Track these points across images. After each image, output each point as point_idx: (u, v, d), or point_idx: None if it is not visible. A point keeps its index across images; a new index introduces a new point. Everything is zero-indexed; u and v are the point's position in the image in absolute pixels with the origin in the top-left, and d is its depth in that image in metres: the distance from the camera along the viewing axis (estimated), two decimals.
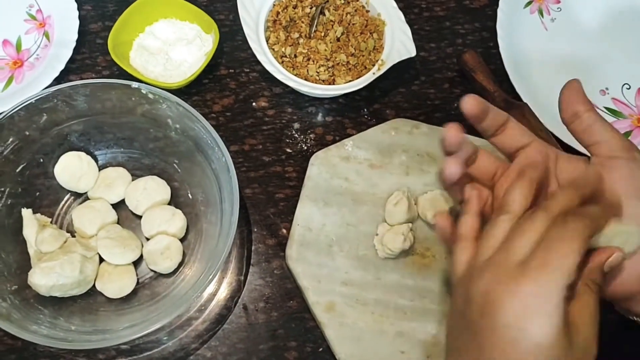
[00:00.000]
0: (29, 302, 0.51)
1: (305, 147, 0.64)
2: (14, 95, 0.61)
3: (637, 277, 0.39)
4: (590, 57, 0.70)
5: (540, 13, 0.72)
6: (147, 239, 0.57)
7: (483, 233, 0.39)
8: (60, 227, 0.57)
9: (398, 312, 0.55)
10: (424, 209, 0.58)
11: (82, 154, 0.57)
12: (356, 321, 0.54)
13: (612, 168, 0.40)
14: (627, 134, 0.66)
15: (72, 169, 0.57)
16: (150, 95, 0.54)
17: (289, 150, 0.64)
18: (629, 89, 0.69)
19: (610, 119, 0.67)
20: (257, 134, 0.64)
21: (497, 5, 0.70)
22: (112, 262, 0.54)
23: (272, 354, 0.55)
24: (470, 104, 0.40)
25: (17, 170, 0.55)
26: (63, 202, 0.58)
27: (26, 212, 0.55)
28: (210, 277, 0.48)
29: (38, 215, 0.56)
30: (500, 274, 0.36)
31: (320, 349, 0.55)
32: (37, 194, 0.57)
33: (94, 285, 0.54)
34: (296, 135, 0.64)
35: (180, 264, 0.56)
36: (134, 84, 0.53)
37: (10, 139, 0.54)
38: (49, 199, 0.58)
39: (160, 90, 0.54)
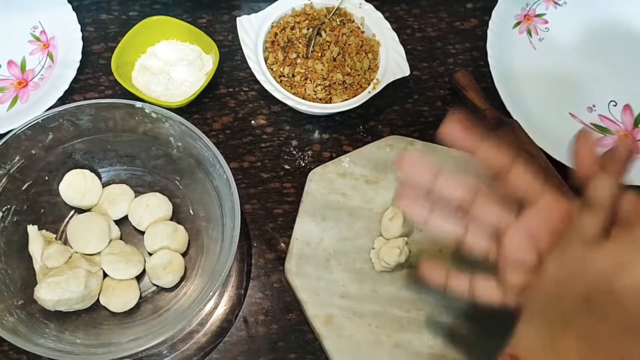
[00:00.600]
0: (35, 316, 0.53)
1: (303, 164, 0.66)
2: (19, 114, 0.63)
3: None
4: (578, 75, 0.73)
5: (529, 33, 0.75)
6: (150, 254, 0.58)
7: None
8: (65, 243, 0.58)
9: (395, 323, 0.56)
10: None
11: (87, 171, 0.59)
12: (354, 333, 0.56)
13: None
14: None
15: (76, 186, 0.58)
16: (154, 115, 0.56)
17: (287, 166, 0.65)
18: (615, 105, 0.71)
19: (597, 135, 0.69)
20: (256, 151, 0.66)
21: (487, 25, 0.72)
22: (116, 277, 0.56)
23: None
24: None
25: (23, 188, 0.57)
26: (67, 218, 0.60)
27: (32, 229, 0.56)
28: (212, 291, 0.49)
29: (43, 231, 0.57)
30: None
31: None
32: (42, 210, 0.59)
33: (97, 300, 0.56)
34: (294, 152, 0.66)
35: (182, 279, 0.57)
36: (138, 104, 0.55)
37: (17, 158, 0.55)
38: (54, 215, 0.59)
39: (163, 110, 0.55)
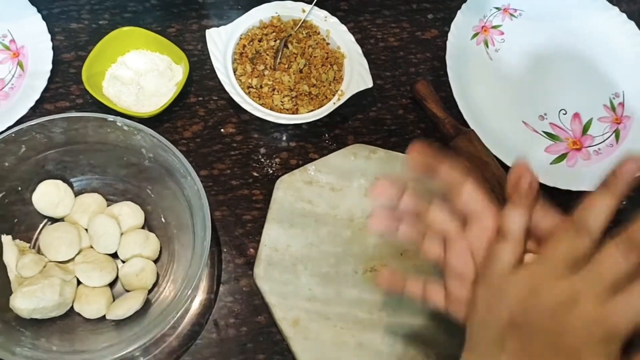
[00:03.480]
0: (10, 324, 0.54)
1: (271, 171, 0.68)
2: None
3: None
4: (531, 85, 0.77)
5: (486, 44, 0.78)
6: (123, 262, 0.60)
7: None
8: (38, 251, 0.60)
9: (358, 324, 0.60)
10: None
11: (59, 182, 0.60)
12: (319, 334, 0.59)
13: None
14: (563, 156, 0.73)
15: (49, 196, 0.60)
16: (125, 127, 0.57)
17: (255, 174, 0.68)
18: (565, 114, 0.76)
19: (548, 142, 0.73)
20: (226, 159, 0.68)
21: (447, 37, 0.76)
22: (89, 285, 0.58)
23: None
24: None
25: None
26: (41, 227, 0.61)
27: (6, 239, 0.57)
28: (185, 299, 0.52)
29: (17, 241, 0.58)
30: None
31: None
32: (16, 220, 0.60)
33: (72, 307, 0.57)
34: (262, 160, 0.69)
35: (155, 285, 0.60)
36: (110, 117, 0.57)
37: None
38: (27, 224, 0.61)
39: (135, 123, 0.57)
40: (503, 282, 0.42)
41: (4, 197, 0.58)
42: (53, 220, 0.61)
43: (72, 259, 0.59)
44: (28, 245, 0.60)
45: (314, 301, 0.60)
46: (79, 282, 0.58)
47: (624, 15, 0.81)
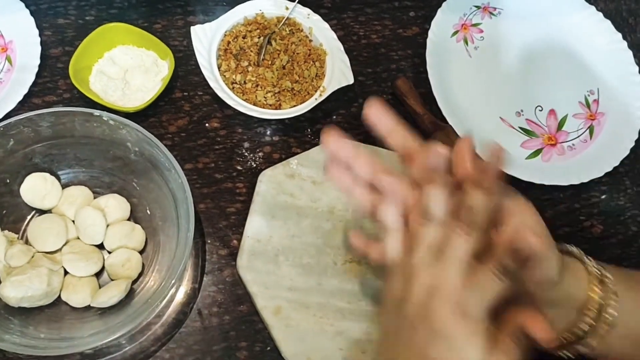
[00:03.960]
0: (0, 313, 0.56)
1: (255, 165, 0.70)
2: None
3: None
4: (508, 82, 0.79)
5: (465, 42, 0.80)
6: (109, 252, 0.62)
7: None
8: (26, 242, 0.62)
9: (337, 314, 0.62)
10: None
11: (47, 174, 0.62)
12: (300, 323, 0.61)
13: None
14: (539, 151, 0.75)
15: (37, 188, 0.61)
16: (111, 122, 0.59)
17: (239, 167, 0.70)
18: (541, 110, 0.78)
19: (524, 137, 0.76)
20: (210, 152, 0.70)
21: (428, 34, 0.77)
22: (76, 275, 0.59)
23: (225, 353, 0.61)
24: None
25: None
26: (29, 218, 0.63)
27: None
28: (169, 288, 0.54)
29: (6, 231, 0.60)
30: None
31: (268, 348, 0.62)
32: (4, 211, 0.61)
33: (59, 296, 0.59)
34: (246, 154, 0.70)
35: (140, 275, 0.61)
36: (96, 112, 0.58)
37: None
38: (15, 215, 0.62)
39: (120, 117, 0.59)
40: (410, 269, 0.44)
41: None
42: (41, 212, 0.63)
43: (60, 249, 0.61)
44: (16, 236, 0.61)
45: (295, 291, 0.62)
46: (66, 272, 0.60)
47: (600, 14, 0.83)
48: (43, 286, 0.56)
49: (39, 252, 0.60)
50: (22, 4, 0.71)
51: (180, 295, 0.63)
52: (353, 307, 0.63)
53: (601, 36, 0.83)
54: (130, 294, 0.60)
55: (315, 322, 0.61)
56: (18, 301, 0.56)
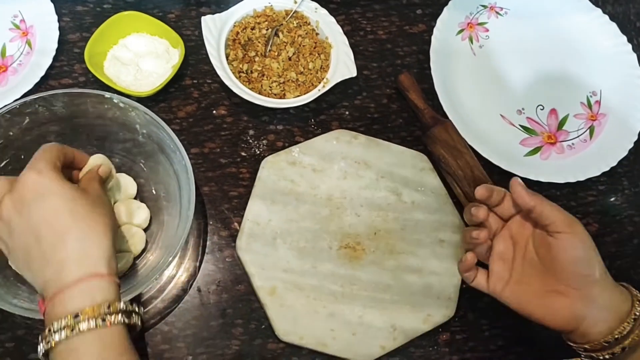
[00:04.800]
0: (10, 280, 0.59)
1: (258, 152, 0.73)
2: None
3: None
4: (511, 80, 0.81)
5: (470, 40, 0.82)
6: None
7: None
8: None
9: (330, 296, 0.64)
10: None
11: None
12: (294, 303, 0.64)
13: (559, 240, 0.53)
14: (538, 149, 0.77)
15: None
16: (122, 104, 0.62)
17: (243, 153, 0.72)
18: (542, 109, 0.79)
19: (523, 135, 0.77)
20: (216, 138, 0.73)
21: (433, 32, 0.79)
22: None
23: (221, 329, 0.64)
24: (480, 193, 0.57)
25: (1, 165, 0.63)
26: None
27: None
28: (169, 261, 0.57)
29: None
30: None
31: (263, 326, 0.65)
32: None
33: None
34: (250, 141, 0.73)
35: (144, 250, 0.64)
36: (107, 94, 0.61)
37: None
38: None
39: (130, 100, 0.62)
40: None
41: (8, 164, 0.63)
42: None
43: None
44: None
45: (291, 273, 0.65)
46: None
47: (607, 16, 0.84)
48: None
49: None
50: None
51: (181, 273, 0.66)
52: (346, 290, 0.65)
53: (606, 38, 0.84)
54: (133, 268, 0.63)
55: (309, 303, 0.64)
56: None
